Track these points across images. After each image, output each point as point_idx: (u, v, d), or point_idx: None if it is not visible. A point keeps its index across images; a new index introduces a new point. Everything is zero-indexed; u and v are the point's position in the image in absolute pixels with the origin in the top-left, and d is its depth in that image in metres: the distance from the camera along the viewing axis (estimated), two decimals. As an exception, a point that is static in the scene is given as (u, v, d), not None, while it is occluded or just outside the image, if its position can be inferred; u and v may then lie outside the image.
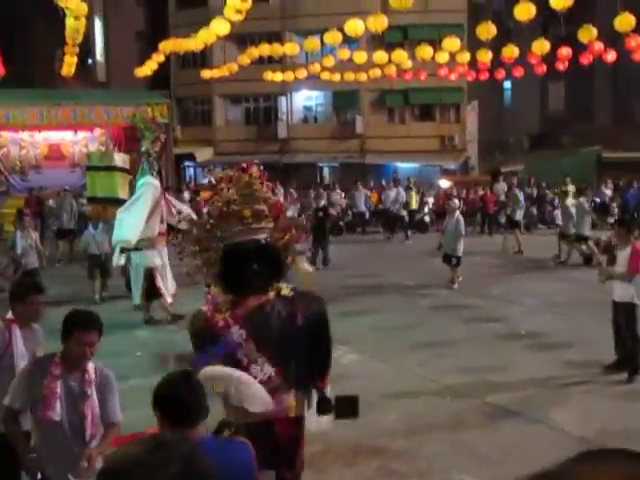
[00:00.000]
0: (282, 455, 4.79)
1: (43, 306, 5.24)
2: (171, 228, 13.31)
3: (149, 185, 12.88)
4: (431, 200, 29.96)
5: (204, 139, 40.35)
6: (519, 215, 22.54)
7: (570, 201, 19.26)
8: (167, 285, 12.94)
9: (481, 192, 29.14)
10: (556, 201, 28.06)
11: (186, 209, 14.18)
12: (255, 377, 4.61)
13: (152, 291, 12.84)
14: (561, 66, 20.36)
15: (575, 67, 21.37)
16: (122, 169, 16.16)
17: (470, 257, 16.63)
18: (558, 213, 27.04)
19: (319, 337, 4.85)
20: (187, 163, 40.82)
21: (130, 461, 1.34)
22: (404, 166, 37.55)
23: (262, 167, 5.47)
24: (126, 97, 28.71)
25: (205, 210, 5.16)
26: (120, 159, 16.51)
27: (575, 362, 9.88)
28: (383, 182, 31.35)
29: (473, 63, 21.88)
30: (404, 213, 26.59)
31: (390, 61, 21.70)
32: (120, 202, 15.81)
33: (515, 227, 21.96)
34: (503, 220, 29.27)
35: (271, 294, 4.84)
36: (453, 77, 24.61)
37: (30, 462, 4.52)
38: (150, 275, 12.81)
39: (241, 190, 5.07)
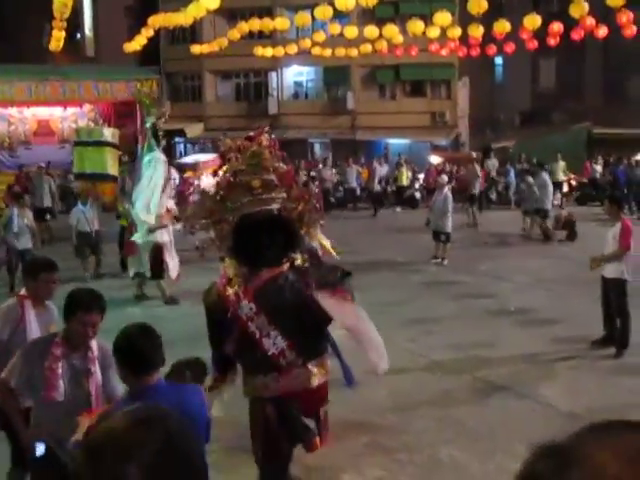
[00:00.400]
0: (306, 427, 4.93)
1: (56, 284, 5.18)
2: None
3: (159, 161, 12.70)
4: (422, 176, 29.95)
5: (194, 115, 40.14)
6: (477, 189, 23.11)
7: (530, 180, 19.70)
8: (175, 262, 12.82)
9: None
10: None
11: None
12: (267, 350, 4.61)
13: (159, 268, 12.67)
14: (552, 41, 20.26)
15: (566, 43, 21.27)
16: (112, 144, 16.00)
17: (460, 234, 16.64)
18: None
19: (310, 312, 4.82)
20: (177, 139, 40.61)
21: (108, 438, 1.32)
22: (395, 142, 37.48)
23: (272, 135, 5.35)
24: (115, 73, 28.43)
25: (215, 180, 5.07)
26: (110, 134, 16.33)
27: (564, 338, 9.94)
28: (374, 158, 31.32)
29: (464, 39, 21.77)
30: (378, 188, 26.92)
31: (381, 36, 21.57)
32: (109, 178, 15.69)
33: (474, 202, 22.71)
34: (494, 196, 29.37)
35: (285, 266, 4.78)
36: (444, 52, 24.49)
37: (27, 436, 4.52)
38: (158, 252, 12.60)
39: (248, 160, 4.96)
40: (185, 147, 42.35)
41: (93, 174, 15.48)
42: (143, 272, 12.77)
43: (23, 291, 5.22)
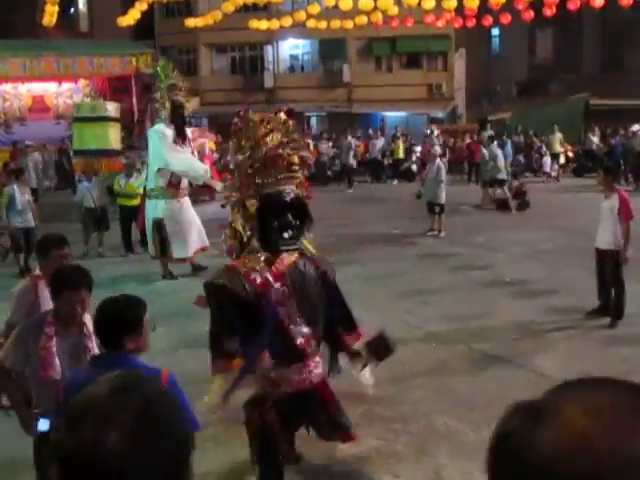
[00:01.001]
0: (335, 419, 4.71)
1: (67, 260, 5.09)
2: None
3: (163, 134, 12.32)
4: (419, 149, 29.88)
5: (190, 89, 39.84)
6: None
7: (485, 151, 20.05)
8: (191, 238, 12.55)
9: (468, 140, 29.08)
10: (544, 149, 28.09)
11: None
12: (294, 339, 4.37)
13: (164, 244, 12.54)
14: (549, 12, 20.13)
15: (563, 14, 21.14)
16: (114, 119, 15.79)
17: (456, 206, 16.65)
18: (546, 160, 27.17)
19: (339, 295, 4.77)
20: (173, 114, 40.42)
21: (88, 404, 1.33)
22: (391, 115, 37.36)
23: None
24: (110, 47, 28.23)
25: (247, 154, 4.60)
26: (113, 108, 16.10)
27: (559, 308, 10.00)
28: (370, 131, 31.26)
29: (460, 10, 21.62)
30: (352, 162, 26.90)
31: (376, 8, 21.41)
32: (113, 153, 15.55)
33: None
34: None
35: (298, 252, 4.59)
36: (440, 24, 24.31)
37: (27, 415, 4.55)
38: (159, 227, 12.45)
39: (290, 134, 4.63)
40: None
41: (97, 150, 15.26)
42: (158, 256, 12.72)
43: (37, 271, 5.15)
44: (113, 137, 15.39)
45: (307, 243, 4.91)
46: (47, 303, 4.92)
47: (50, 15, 19.73)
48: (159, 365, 3.73)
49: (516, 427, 0.95)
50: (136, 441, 1.26)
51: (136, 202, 14.63)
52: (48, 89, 28.33)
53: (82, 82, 28.13)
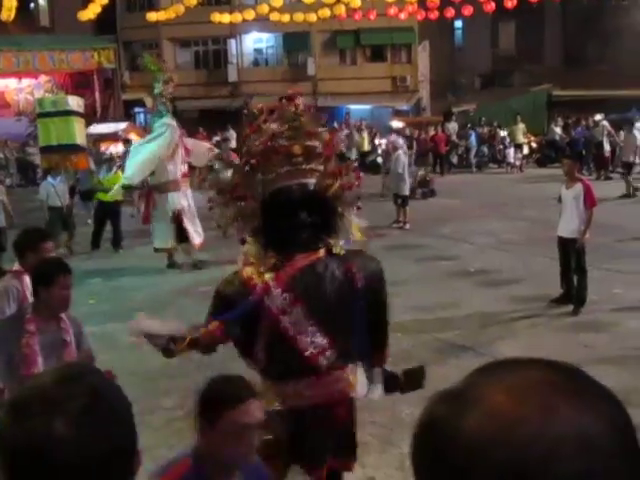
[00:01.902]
0: (340, 443, 4.11)
1: (51, 253, 5.04)
2: (191, 168, 13.20)
3: (169, 126, 12.47)
4: (384, 142, 29.91)
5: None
6: None
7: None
8: (198, 228, 12.75)
9: (432, 132, 29.23)
10: (507, 140, 28.33)
11: (204, 145, 14.09)
12: (304, 350, 3.86)
13: (181, 234, 12.64)
14: (510, 4, 20.30)
15: (525, 6, 21.32)
16: (77, 113, 15.52)
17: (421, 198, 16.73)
18: (510, 151, 27.42)
19: (378, 303, 4.14)
20: (137, 109, 40.06)
21: (34, 393, 1.31)
22: (356, 108, 37.41)
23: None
24: (71, 42, 27.99)
25: (244, 149, 4.18)
26: (75, 102, 15.82)
27: (523, 297, 10.11)
28: (335, 124, 31.25)
29: (423, 2, 21.73)
30: None
31: (339, 1, 21.45)
32: (79, 148, 15.31)
33: None
34: (455, 160, 29.55)
35: (321, 251, 4.01)
36: (403, 16, 24.42)
37: None
38: (178, 218, 12.54)
39: (288, 122, 4.10)
40: (145, 117, 41.78)
41: (61, 145, 14.94)
42: (166, 248, 12.77)
43: (16, 266, 4.99)
44: (78, 132, 15.06)
45: (357, 231, 4.39)
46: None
47: (8, 10, 19.42)
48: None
49: (441, 415, 0.93)
50: (85, 429, 1.25)
51: (116, 198, 14.42)
52: (8, 85, 28.02)
53: (43, 78, 27.85)
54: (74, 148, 14.80)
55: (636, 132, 20.47)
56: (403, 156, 16.37)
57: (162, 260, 13.00)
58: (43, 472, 1.24)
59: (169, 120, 12.55)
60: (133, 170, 12.29)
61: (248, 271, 3.98)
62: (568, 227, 9.46)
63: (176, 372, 6.76)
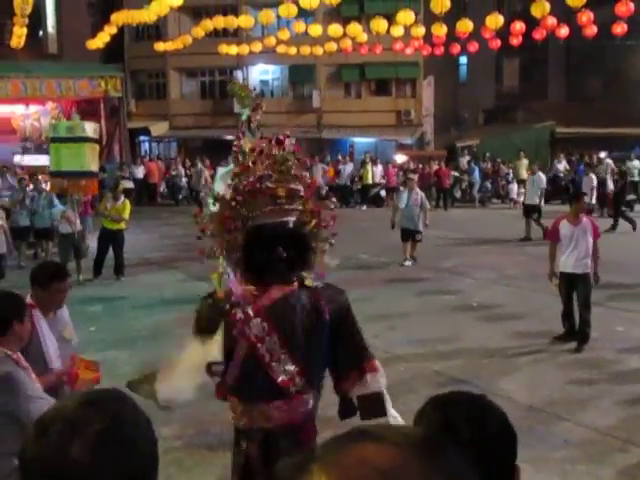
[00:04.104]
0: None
1: (67, 292, 5.05)
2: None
3: None
4: (380, 173, 29.68)
5: (159, 113, 39.88)
6: None
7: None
8: None
9: (436, 167, 29.33)
10: (510, 175, 28.42)
11: None
12: (277, 377, 4.19)
13: None
14: (515, 41, 20.49)
15: (529, 43, 21.53)
16: (92, 139, 15.44)
17: (425, 231, 16.68)
18: (513, 187, 27.49)
19: (347, 330, 4.42)
20: (142, 137, 40.33)
21: (57, 414, 1.35)
22: (361, 141, 37.61)
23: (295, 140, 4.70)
24: (78, 70, 28.19)
25: (232, 186, 4.47)
26: (91, 129, 15.77)
27: (525, 333, 10.06)
28: (339, 157, 31.43)
29: (428, 38, 21.93)
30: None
31: (346, 35, 21.66)
32: (90, 175, 15.24)
33: None
34: (458, 194, 29.63)
35: (295, 284, 4.34)
36: (409, 51, 24.64)
37: None
38: None
39: (277, 166, 4.44)
40: (150, 145, 42.08)
41: (71, 172, 14.84)
42: None
43: (28, 299, 4.80)
44: (90, 158, 14.96)
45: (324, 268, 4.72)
46: (46, 334, 4.79)
47: (18, 37, 19.67)
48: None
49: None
50: (100, 454, 1.28)
51: (119, 226, 14.43)
52: (15, 111, 28.16)
53: (50, 104, 28.00)
54: (84, 174, 14.71)
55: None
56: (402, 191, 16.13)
57: (163, 289, 13.00)
58: None
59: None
60: (220, 189, 12.21)
61: (226, 295, 4.31)
62: (577, 263, 9.42)
63: (175, 401, 6.72)
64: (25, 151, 26.57)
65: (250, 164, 4.45)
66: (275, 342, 4.19)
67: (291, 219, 4.39)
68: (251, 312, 4.20)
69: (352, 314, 4.49)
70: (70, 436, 1.28)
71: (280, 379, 4.17)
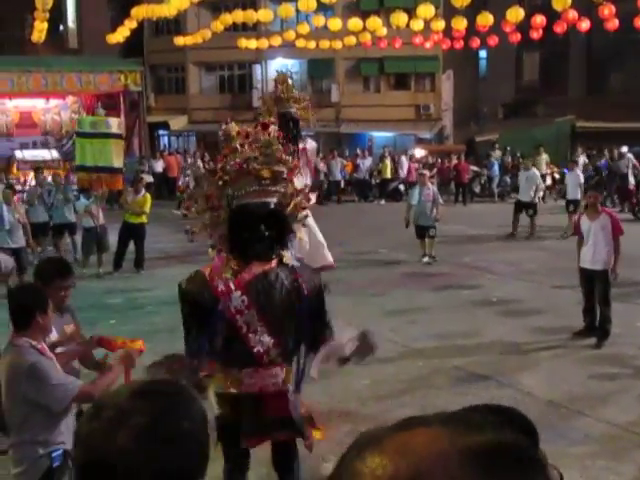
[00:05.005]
0: (273, 422, 4.68)
1: (70, 290, 5.07)
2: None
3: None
4: (404, 169, 29.70)
5: (178, 107, 39.95)
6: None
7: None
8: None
9: (455, 161, 29.21)
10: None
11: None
12: (253, 347, 4.50)
13: None
14: (535, 35, 20.34)
15: (550, 37, 21.38)
16: (116, 135, 15.48)
17: (443, 226, 16.62)
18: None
19: (319, 309, 4.79)
20: (161, 131, 40.45)
21: (109, 401, 1.40)
22: (379, 135, 37.51)
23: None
24: (98, 64, 28.32)
25: (219, 166, 4.72)
26: (115, 124, 15.81)
27: (545, 328, 10.02)
28: (358, 151, 31.38)
29: (448, 32, 21.83)
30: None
31: (365, 29, 21.59)
32: (114, 170, 15.30)
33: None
34: (477, 189, 29.50)
35: (274, 262, 4.64)
36: (428, 45, 24.55)
37: None
38: None
39: (262, 149, 4.70)
40: (169, 140, 42.19)
41: (95, 167, 14.90)
42: None
43: None
44: (114, 154, 15.00)
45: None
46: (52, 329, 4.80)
47: (39, 32, 19.77)
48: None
49: (348, 456, 0.90)
50: (141, 446, 1.31)
51: (141, 220, 14.47)
52: (36, 105, 28.33)
53: (70, 99, 28.15)
54: (109, 170, 14.80)
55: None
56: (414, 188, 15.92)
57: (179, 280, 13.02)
58: (100, 474, 1.32)
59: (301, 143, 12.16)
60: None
61: (208, 270, 4.67)
62: (595, 259, 9.35)
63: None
64: (23, 146, 26.75)
65: (238, 146, 4.69)
66: (253, 315, 4.50)
67: (273, 200, 4.67)
68: (233, 286, 4.49)
69: (324, 294, 4.86)
70: (117, 425, 1.32)
71: (256, 349, 4.50)
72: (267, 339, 4.52)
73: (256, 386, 4.56)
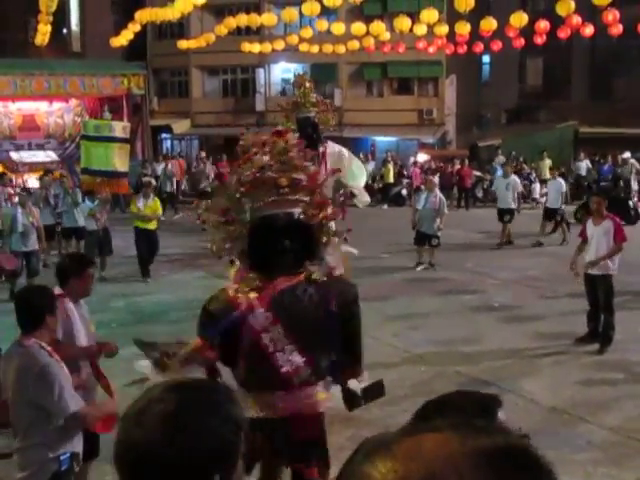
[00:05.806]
0: (300, 451, 4.39)
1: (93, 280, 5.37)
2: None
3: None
4: (408, 173, 29.81)
5: (181, 111, 40.00)
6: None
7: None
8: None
9: (458, 166, 29.19)
10: (533, 175, 28.23)
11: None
12: (281, 367, 4.18)
13: None
14: (539, 40, 20.34)
15: (553, 42, 21.37)
16: (121, 139, 15.42)
17: (446, 231, 16.59)
18: (535, 187, 27.30)
19: (352, 325, 4.49)
20: (164, 135, 40.48)
21: (145, 394, 1.48)
22: (382, 140, 37.51)
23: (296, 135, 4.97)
24: (101, 67, 28.27)
25: (234, 178, 4.48)
26: (120, 128, 15.77)
27: (547, 334, 10.00)
28: (360, 155, 31.37)
29: (451, 36, 21.84)
30: None
31: (368, 33, 21.62)
32: (118, 175, 15.26)
33: None
34: (480, 194, 29.45)
35: (302, 276, 4.34)
36: (431, 50, 24.54)
37: None
38: None
39: (278, 156, 4.44)
40: (172, 143, 42.22)
41: (99, 170, 14.84)
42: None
43: (57, 290, 4.93)
44: (118, 159, 14.97)
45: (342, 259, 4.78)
46: (78, 322, 4.98)
47: (42, 34, 19.81)
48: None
49: (356, 460, 0.91)
50: (165, 429, 1.38)
51: (153, 226, 14.30)
52: (39, 108, 28.28)
53: (73, 102, 28.13)
54: (112, 174, 14.78)
55: None
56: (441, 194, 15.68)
57: (185, 287, 13.02)
58: (128, 454, 1.41)
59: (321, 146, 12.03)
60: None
61: (233, 289, 4.35)
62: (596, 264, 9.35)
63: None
64: (18, 148, 26.72)
65: (252, 156, 4.47)
66: (279, 332, 4.20)
67: (296, 210, 4.42)
68: (256, 302, 4.22)
69: (358, 309, 4.54)
70: (145, 410, 1.41)
71: (284, 369, 4.19)
72: (297, 358, 4.22)
73: (291, 409, 4.26)
